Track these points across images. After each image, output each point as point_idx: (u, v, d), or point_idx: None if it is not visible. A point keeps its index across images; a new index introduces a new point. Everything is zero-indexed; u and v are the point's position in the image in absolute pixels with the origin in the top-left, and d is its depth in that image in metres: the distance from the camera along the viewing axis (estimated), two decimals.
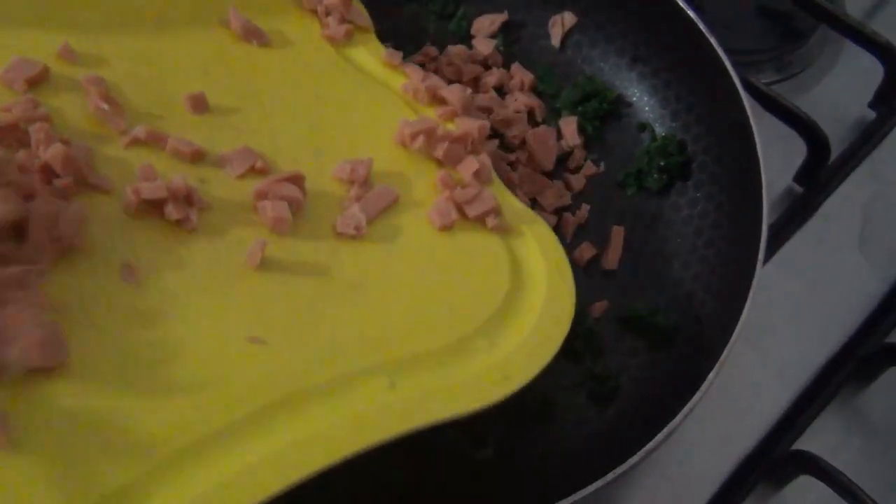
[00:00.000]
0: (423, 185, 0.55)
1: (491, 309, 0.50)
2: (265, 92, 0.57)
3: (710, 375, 0.51)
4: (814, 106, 0.71)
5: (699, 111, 0.65)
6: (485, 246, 0.53)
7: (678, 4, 0.63)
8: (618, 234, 0.64)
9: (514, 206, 0.56)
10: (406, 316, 0.49)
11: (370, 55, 0.62)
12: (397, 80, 0.61)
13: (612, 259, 0.63)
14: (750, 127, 0.59)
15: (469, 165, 0.56)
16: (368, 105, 0.59)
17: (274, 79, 0.58)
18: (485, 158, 0.56)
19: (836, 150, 0.71)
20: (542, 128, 0.67)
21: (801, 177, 0.71)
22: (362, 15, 0.63)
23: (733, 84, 0.60)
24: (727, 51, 0.62)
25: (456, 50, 0.69)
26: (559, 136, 0.68)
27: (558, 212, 0.65)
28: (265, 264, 0.48)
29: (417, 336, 0.48)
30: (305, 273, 0.49)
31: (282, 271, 0.49)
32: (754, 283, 0.54)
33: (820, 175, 0.70)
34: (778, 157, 0.59)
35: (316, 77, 0.59)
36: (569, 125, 0.67)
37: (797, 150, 0.71)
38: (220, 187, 0.51)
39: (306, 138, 0.56)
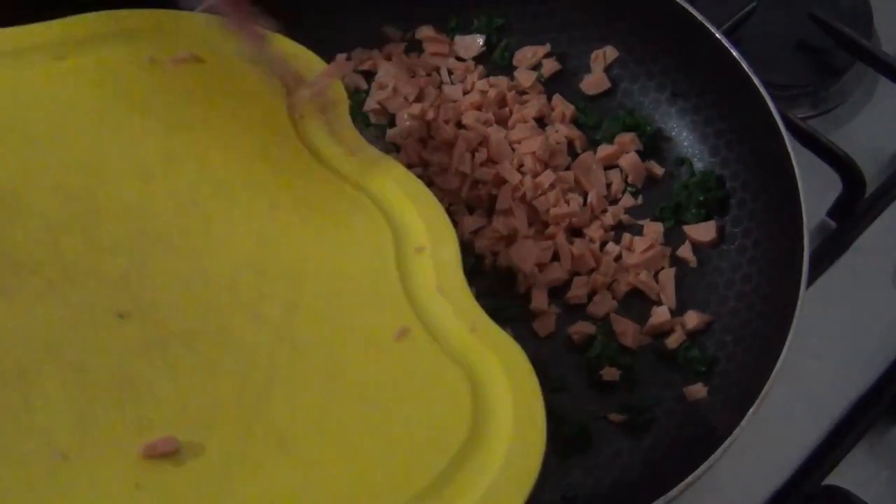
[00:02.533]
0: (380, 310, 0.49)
1: (445, 460, 0.42)
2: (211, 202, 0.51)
3: (751, 411, 0.52)
4: (848, 141, 0.72)
5: (739, 148, 0.66)
6: (442, 381, 0.46)
7: (721, 42, 0.64)
8: (667, 275, 0.64)
9: (486, 325, 0.48)
10: (343, 474, 0.42)
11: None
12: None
13: (668, 297, 0.64)
14: (791, 164, 0.60)
15: None
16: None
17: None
18: None
19: (870, 186, 0.71)
20: (587, 154, 0.68)
21: (834, 212, 0.72)
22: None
23: (774, 122, 0.61)
24: (763, 85, 0.63)
25: (498, 80, 0.71)
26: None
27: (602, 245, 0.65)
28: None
29: (356, 499, 0.41)
30: (219, 427, 0.42)
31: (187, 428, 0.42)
32: (794, 320, 0.55)
33: (855, 210, 0.71)
34: (811, 193, 0.60)
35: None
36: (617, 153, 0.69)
37: (830, 185, 0.71)
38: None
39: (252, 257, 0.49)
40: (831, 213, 0.72)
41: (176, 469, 0.40)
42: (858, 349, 0.67)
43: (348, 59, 0.67)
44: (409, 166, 0.66)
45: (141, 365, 0.43)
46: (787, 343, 0.54)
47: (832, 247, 0.71)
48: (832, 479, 0.62)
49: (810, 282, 0.67)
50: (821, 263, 0.69)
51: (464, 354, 0.47)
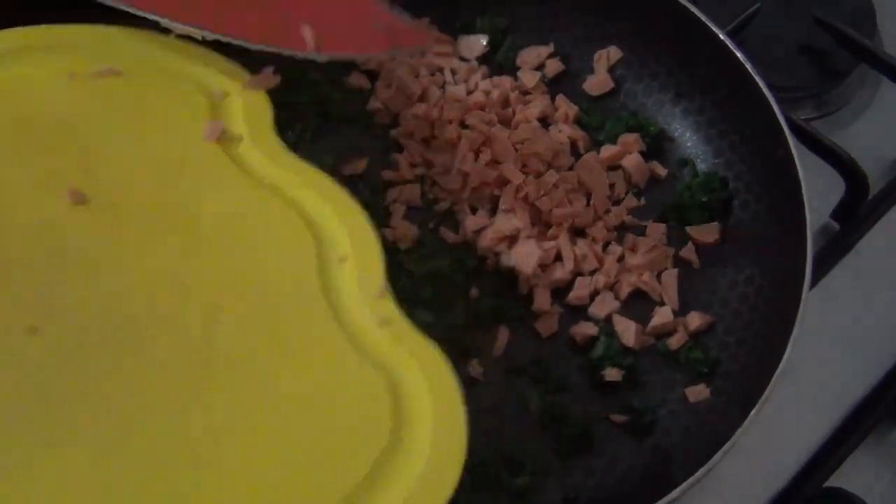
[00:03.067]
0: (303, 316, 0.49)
1: (366, 467, 0.43)
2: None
3: (753, 412, 0.52)
4: (851, 143, 0.72)
5: (742, 149, 0.66)
6: (363, 388, 0.46)
7: (724, 43, 0.64)
8: (670, 276, 0.64)
9: (407, 332, 0.48)
10: (263, 482, 0.42)
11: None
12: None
13: (671, 298, 0.63)
14: (794, 166, 0.60)
15: None
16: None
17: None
18: None
19: (873, 188, 0.71)
20: (590, 154, 0.68)
21: (837, 214, 0.72)
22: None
23: (778, 123, 0.61)
24: (767, 86, 0.63)
25: (501, 81, 0.71)
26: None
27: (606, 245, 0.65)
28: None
29: None
30: (140, 434, 0.42)
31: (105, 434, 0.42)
32: (797, 322, 0.55)
33: (858, 212, 0.71)
34: (814, 195, 0.60)
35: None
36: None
37: (833, 187, 0.71)
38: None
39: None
40: (834, 215, 0.72)
41: (94, 472, 0.41)
42: (861, 351, 0.67)
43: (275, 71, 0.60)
44: (412, 166, 0.67)
45: (56, 378, 0.43)
46: (790, 345, 0.54)
47: (835, 249, 0.71)
48: (834, 481, 0.62)
49: (813, 283, 0.67)
50: (824, 265, 0.69)
51: (385, 362, 0.47)
